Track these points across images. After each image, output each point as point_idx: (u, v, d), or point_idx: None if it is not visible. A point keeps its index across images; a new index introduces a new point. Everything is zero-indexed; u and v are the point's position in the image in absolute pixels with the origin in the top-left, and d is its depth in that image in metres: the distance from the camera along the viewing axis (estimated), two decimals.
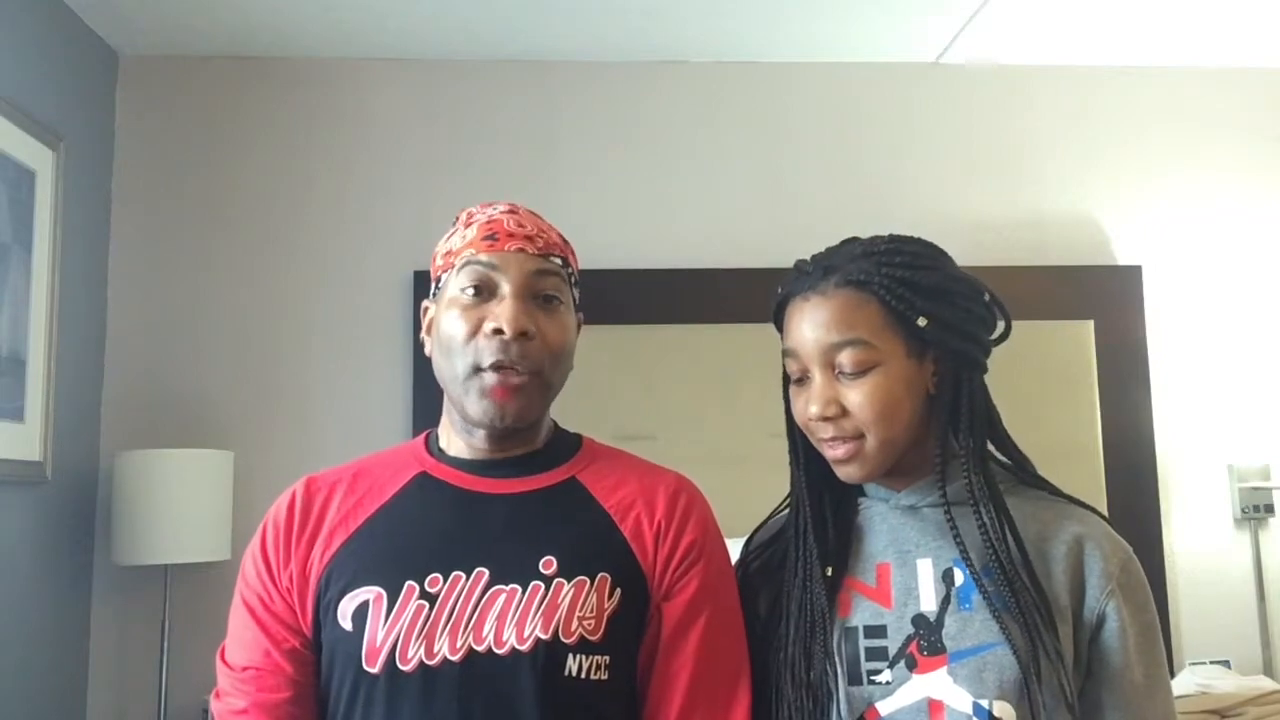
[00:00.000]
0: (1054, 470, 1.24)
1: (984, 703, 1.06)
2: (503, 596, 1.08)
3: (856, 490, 1.21)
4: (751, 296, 2.77)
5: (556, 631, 1.07)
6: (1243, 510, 2.87)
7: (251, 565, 1.16)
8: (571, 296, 1.19)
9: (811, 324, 1.13)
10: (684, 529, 1.15)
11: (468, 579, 1.09)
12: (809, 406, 1.13)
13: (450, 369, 1.13)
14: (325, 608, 1.11)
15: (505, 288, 1.12)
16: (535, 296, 1.13)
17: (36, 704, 2.39)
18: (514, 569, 1.10)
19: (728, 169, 2.94)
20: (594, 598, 1.09)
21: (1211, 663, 2.71)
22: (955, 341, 1.14)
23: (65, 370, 2.49)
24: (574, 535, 1.13)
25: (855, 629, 1.12)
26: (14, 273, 2.31)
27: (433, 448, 1.21)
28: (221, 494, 2.53)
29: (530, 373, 1.12)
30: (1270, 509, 2.88)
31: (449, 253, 1.15)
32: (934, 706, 1.07)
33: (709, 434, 2.73)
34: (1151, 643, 1.12)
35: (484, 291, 1.12)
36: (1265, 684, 2.51)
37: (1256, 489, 2.87)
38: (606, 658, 1.09)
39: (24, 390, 2.34)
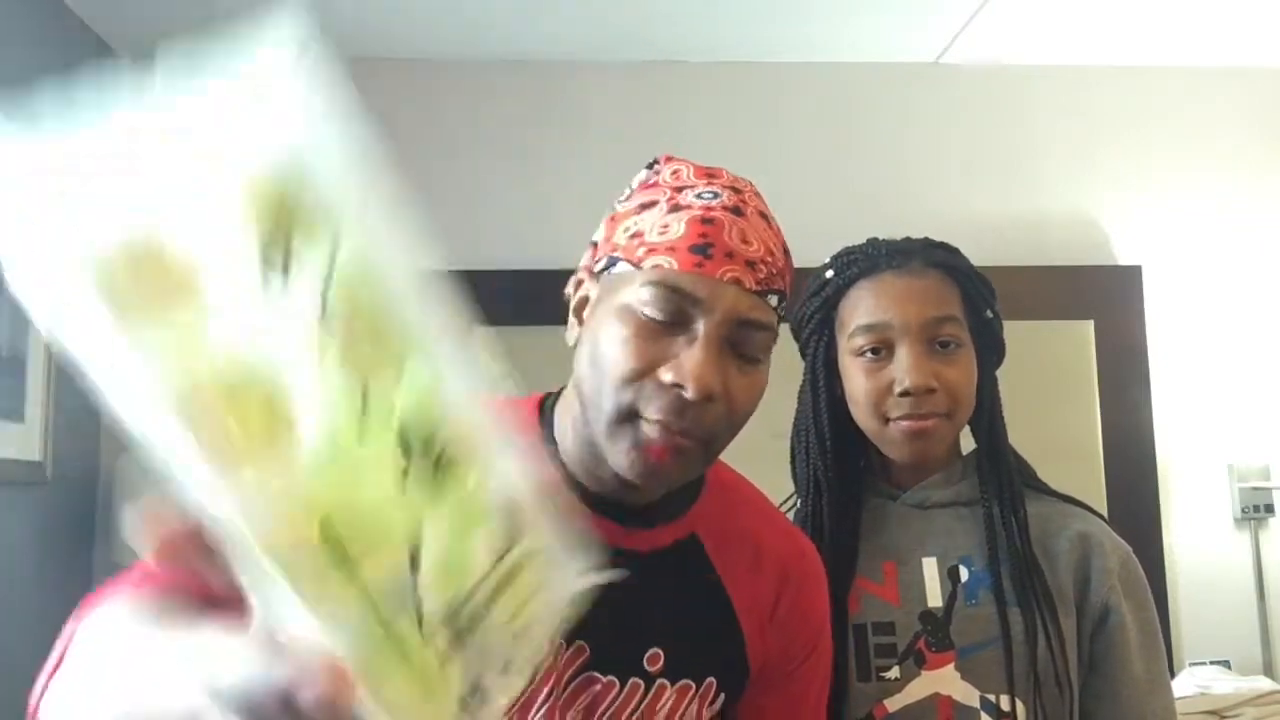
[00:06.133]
0: (1054, 470, 1.25)
1: (991, 697, 1.08)
2: (597, 688, 0.92)
3: (862, 488, 1.22)
4: None
5: None
6: (1243, 510, 2.87)
7: None
8: (776, 333, 0.91)
9: (912, 298, 1.13)
10: (807, 621, 1.01)
11: (566, 652, 0.91)
12: (909, 376, 1.10)
13: (596, 402, 0.87)
14: None
15: (700, 326, 0.84)
16: (733, 347, 0.86)
17: None
18: (617, 657, 0.93)
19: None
20: (694, 706, 0.95)
21: (1211, 663, 2.71)
22: (1001, 338, 1.19)
23: (65, 370, 2.48)
24: (688, 625, 0.96)
25: (864, 626, 1.13)
26: None
27: (547, 433, 0.96)
28: None
29: (701, 440, 0.87)
30: (1270, 509, 2.88)
31: (635, 236, 0.87)
32: (942, 702, 1.09)
33: None
34: (1152, 640, 1.14)
35: (673, 321, 0.84)
36: (1265, 684, 2.51)
37: (1256, 489, 2.87)
38: None
39: (24, 390, 2.34)
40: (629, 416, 0.85)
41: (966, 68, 3.00)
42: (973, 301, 1.16)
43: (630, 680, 0.93)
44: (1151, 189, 3.00)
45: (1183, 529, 2.88)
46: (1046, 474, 1.24)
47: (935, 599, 1.13)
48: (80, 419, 2.61)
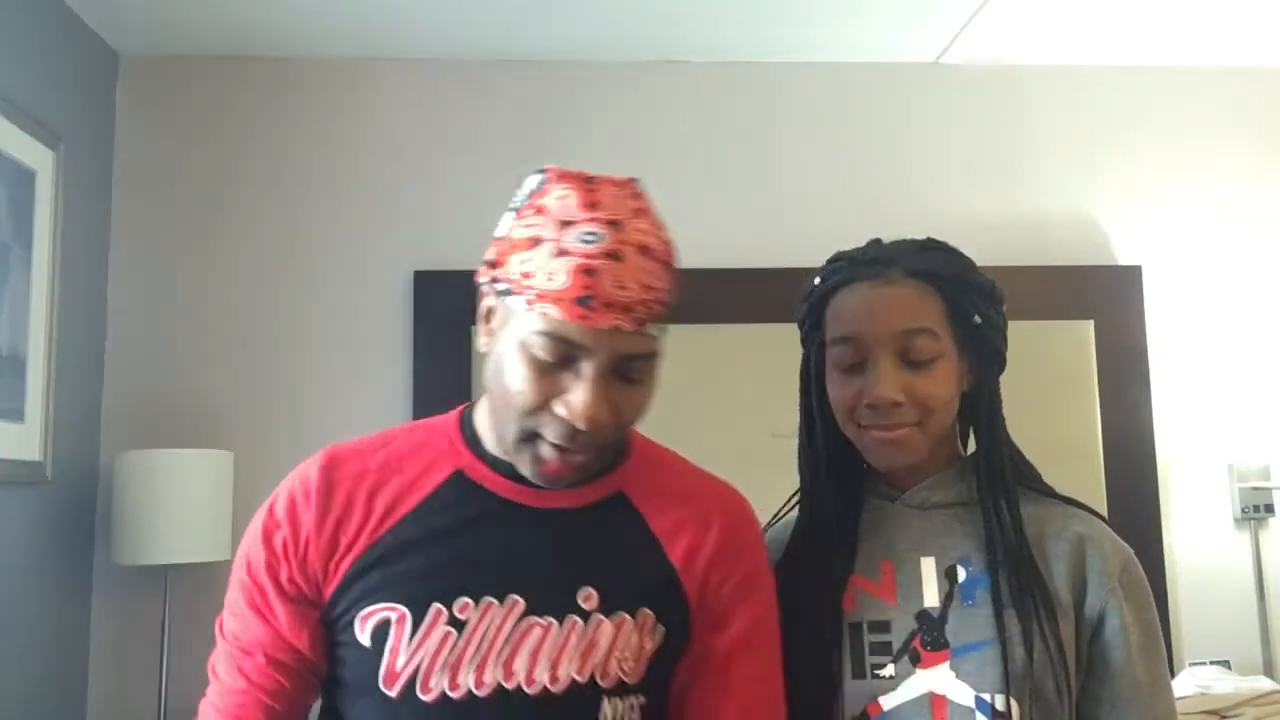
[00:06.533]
0: (1054, 470, 1.25)
1: (986, 697, 1.08)
2: (537, 630, 1.01)
3: (863, 491, 1.22)
4: (751, 297, 2.80)
5: (594, 674, 1.01)
6: (1243, 510, 2.87)
7: (262, 547, 1.05)
8: (659, 354, 1.03)
9: (882, 310, 1.13)
10: (740, 558, 1.08)
11: (501, 607, 1.01)
12: (873, 391, 1.12)
13: (502, 419, 1.02)
14: (341, 615, 1.04)
15: (587, 367, 0.96)
16: (619, 375, 0.99)
17: (36, 704, 2.38)
18: (551, 600, 1.02)
19: (727, 169, 2.94)
20: (635, 637, 1.03)
21: (1211, 663, 2.71)
22: (996, 341, 1.17)
23: (65, 370, 2.49)
24: (618, 564, 1.05)
25: (860, 624, 1.14)
26: (14, 273, 2.31)
27: (469, 438, 1.09)
28: (221, 494, 2.53)
29: (595, 451, 1.01)
30: (1270, 509, 2.88)
31: (527, 275, 0.96)
32: (936, 701, 1.09)
33: (708, 434, 2.72)
34: (1153, 643, 1.14)
35: (562, 361, 0.97)
36: (1265, 684, 2.51)
37: (1256, 489, 2.87)
38: (642, 699, 1.04)
39: (24, 390, 2.34)
40: (531, 437, 1.00)
41: (966, 68, 3.00)
42: (958, 309, 1.14)
43: (567, 618, 1.01)
44: (1151, 189, 3.00)
45: (1183, 529, 2.88)
46: (1046, 474, 1.24)
47: (932, 599, 1.13)
48: (80, 419, 2.61)
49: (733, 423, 2.72)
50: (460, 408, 1.13)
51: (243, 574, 1.07)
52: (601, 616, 1.02)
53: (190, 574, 2.53)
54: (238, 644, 1.06)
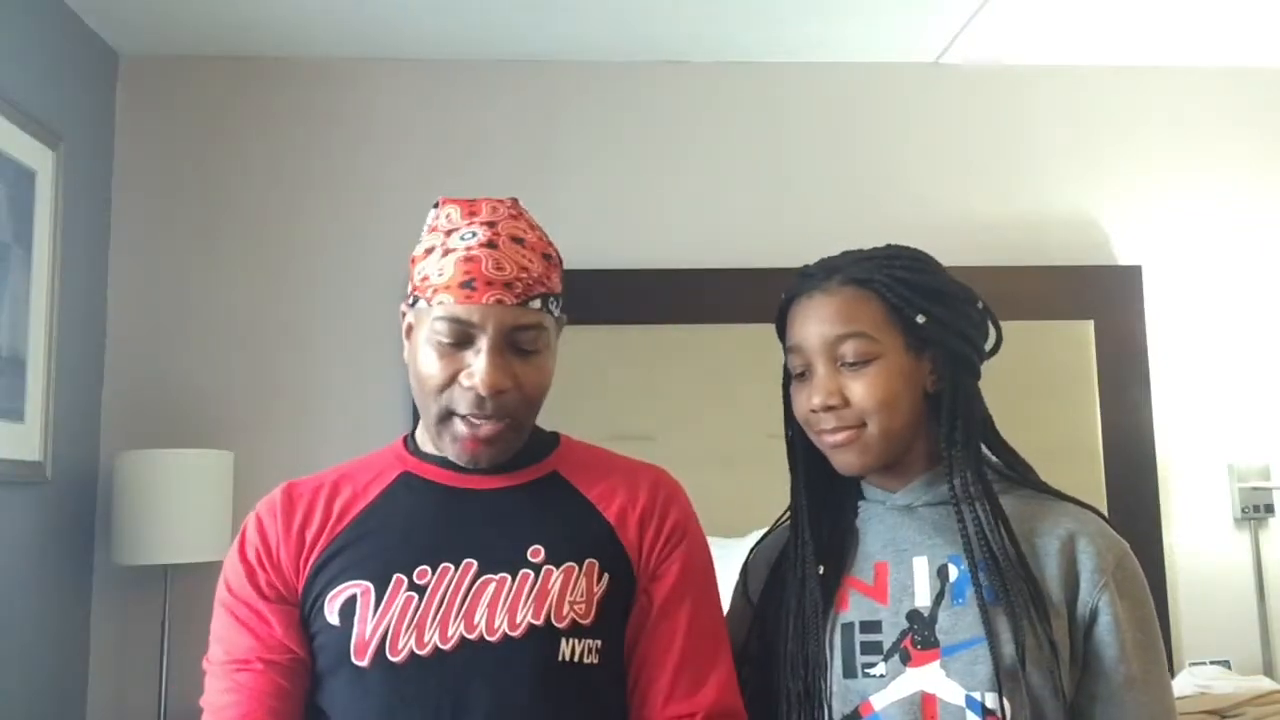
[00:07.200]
0: (1054, 470, 1.26)
1: (976, 695, 1.08)
2: (493, 585, 1.10)
3: (855, 494, 1.23)
4: (750, 297, 2.80)
5: (549, 617, 1.09)
6: (1243, 510, 2.87)
7: (239, 563, 1.16)
8: (552, 332, 1.16)
9: (816, 319, 1.17)
10: (667, 513, 1.18)
11: (456, 570, 1.11)
12: (811, 398, 1.16)
13: (424, 406, 1.15)
14: (312, 605, 1.13)
15: (482, 341, 1.10)
16: (513, 347, 1.12)
17: (36, 704, 2.39)
18: (502, 559, 1.12)
19: (728, 169, 2.94)
20: (583, 582, 1.12)
21: (1211, 663, 2.71)
22: (951, 341, 1.17)
23: (65, 370, 2.49)
24: (560, 524, 1.15)
25: (851, 624, 1.15)
26: (14, 273, 2.31)
27: (412, 448, 1.23)
28: (221, 494, 2.53)
29: (506, 420, 1.12)
30: (1270, 509, 2.88)
31: (424, 279, 1.13)
32: (927, 700, 1.09)
33: (707, 434, 2.73)
34: (1150, 639, 1.14)
35: (461, 342, 1.11)
36: (1265, 684, 2.51)
37: (1256, 489, 2.87)
38: (598, 642, 1.11)
39: (24, 390, 2.34)
40: (447, 416, 1.13)
41: (966, 68, 3.00)
42: (898, 310, 1.15)
43: (520, 572, 1.11)
44: (1151, 189, 3.00)
45: (1183, 529, 2.88)
46: (1046, 474, 1.24)
47: (924, 598, 1.14)
48: (80, 419, 2.61)
49: (732, 423, 2.72)
50: (404, 434, 1.27)
51: (225, 595, 1.16)
52: (551, 567, 1.12)
53: (190, 574, 2.53)
54: (231, 660, 1.12)
